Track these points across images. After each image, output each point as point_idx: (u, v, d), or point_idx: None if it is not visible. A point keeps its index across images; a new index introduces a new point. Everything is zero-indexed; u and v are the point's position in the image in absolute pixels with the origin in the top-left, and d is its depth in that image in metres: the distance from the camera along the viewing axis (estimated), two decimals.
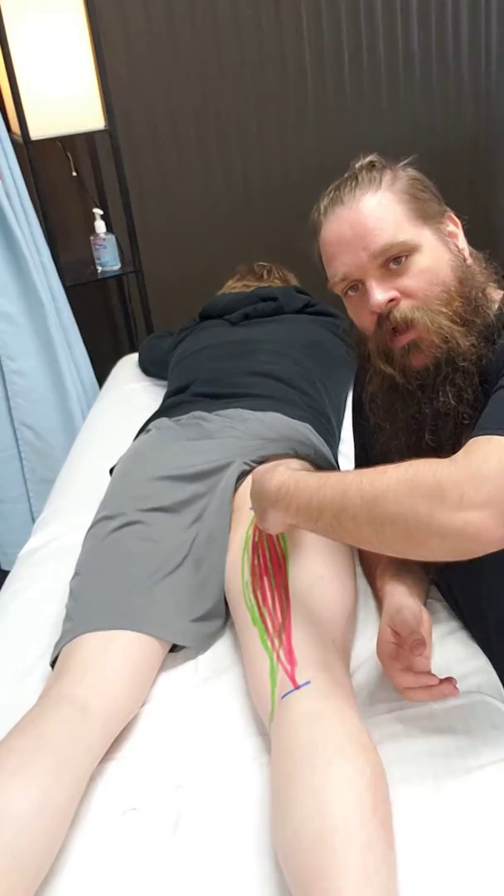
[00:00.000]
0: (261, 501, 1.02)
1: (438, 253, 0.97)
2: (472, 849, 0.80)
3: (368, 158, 1.03)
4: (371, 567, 1.18)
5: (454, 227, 1.02)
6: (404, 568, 1.08)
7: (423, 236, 0.96)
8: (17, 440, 2.24)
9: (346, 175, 1.01)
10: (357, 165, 1.03)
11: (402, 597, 1.00)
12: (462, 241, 1.02)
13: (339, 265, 0.98)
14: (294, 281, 2.05)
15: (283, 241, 2.69)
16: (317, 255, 1.04)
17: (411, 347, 0.96)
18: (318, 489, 0.89)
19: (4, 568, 2.32)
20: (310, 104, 2.65)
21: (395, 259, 0.95)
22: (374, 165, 1.02)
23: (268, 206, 2.73)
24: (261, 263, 2.06)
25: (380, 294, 0.95)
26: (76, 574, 1.19)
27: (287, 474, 0.98)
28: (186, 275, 2.66)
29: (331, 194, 1.00)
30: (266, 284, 1.94)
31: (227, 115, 2.56)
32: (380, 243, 0.94)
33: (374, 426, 1.04)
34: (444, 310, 0.94)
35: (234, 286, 1.98)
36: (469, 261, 1.01)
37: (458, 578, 1.05)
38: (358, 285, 0.98)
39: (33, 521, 2.25)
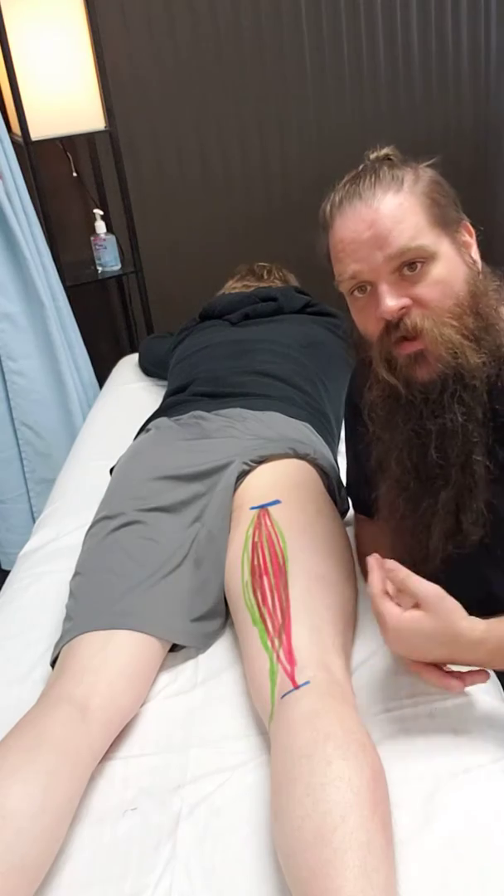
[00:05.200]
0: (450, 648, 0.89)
1: (454, 264, 0.92)
2: (471, 848, 0.81)
3: (384, 151, 0.97)
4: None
5: (469, 237, 0.96)
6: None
7: (441, 245, 0.91)
8: (17, 440, 2.24)
9: (361, 168, 0.95)
10: (373, 157, 0.97)
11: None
12: (475, 253, 0.96)
13: (350, 263, 0.91)
14: (294, 281, 2.05)
15: (283, 242, 2.70)
16: (324, 249, 0.97)
17: (417, 358, 0.91)
18: None
19: (4, 568, 2.32)
20: (310, 103, 2.65)
21: (410, 265, 0.89)
22: (391, 160, 0.97)
23: (268, 207, 2.73)
24: (261, 264, 2.06)
25: (391, 300, 0.89)
26: (76, 574, 1.19)
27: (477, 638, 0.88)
28: (186, 275, 2.66)
29: (346, 188, 0.93)
30: (266, 285, 1.94)
31: (227, 115, 2.56)
32: (397, 246, 0.88)
33: (372, 435, 1.00)
34: (454, 324, 0.90)
35: (234, 286, 1.99)
36: (481, 276, 0.95)
37: (459, 581, 1.04)
38: (366, 287, 0.92)
39: (33, 521, 2.26)
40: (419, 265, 0.89)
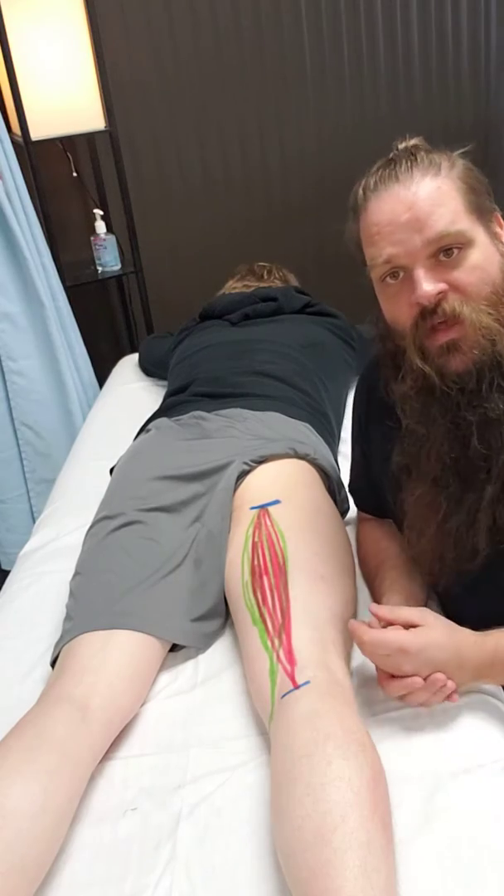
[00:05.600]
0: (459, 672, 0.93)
1: (490, 252, 0.90)
2: (471, 848, 0.81)
3: (413, 142, 0.94)
4: (370, 571, 1.17)
5: (500, 228, 0.94)
6: (404, 575, 1.08)
7: (477, 232, 0.89)
8: (17, 440, 2.24)
9: (392, 155, 0.93)
10: (401, 147, 0.94)
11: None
12: None
13: (385, 246, 0.88)
14: (294, 281, 2.05)
15: (283, 242, 2.70)
16: (353, 234, 0.94)
17: (450, 348, 0.88)
18: None
19: (4, 568, 2.32)
20: (310, 103, 2.65)
21: (447, 250, 0.87)
22: (426, 148, 0.94)
23: (268, 207, 2.73)
24: (261, 264, 2.06)
25: (429, 285, 0.86)
26: (76, 574, 1.19)
27: (489, 650, 0.93)
28: (186, 275, 2.66)
29: (381, 171, 0.91)
30: (266, 285, 1.94)
31: (226, 115, 2.56)
32: (437, 229, 0.86)
33: (405, 429, 0.96)
34: (491, 311, 0.88)
35: (234, 286, 1.99)
36: None
37: (455, 584, 1.04)
38: (399, 273, 0.89)
39: (33, 521, 2.26)
40: (456, 251, 0.87)
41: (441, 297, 0.87)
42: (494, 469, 0.90)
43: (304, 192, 2.73)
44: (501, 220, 0.95)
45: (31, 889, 0.81)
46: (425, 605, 1.06)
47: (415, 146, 0.94)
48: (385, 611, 0.95)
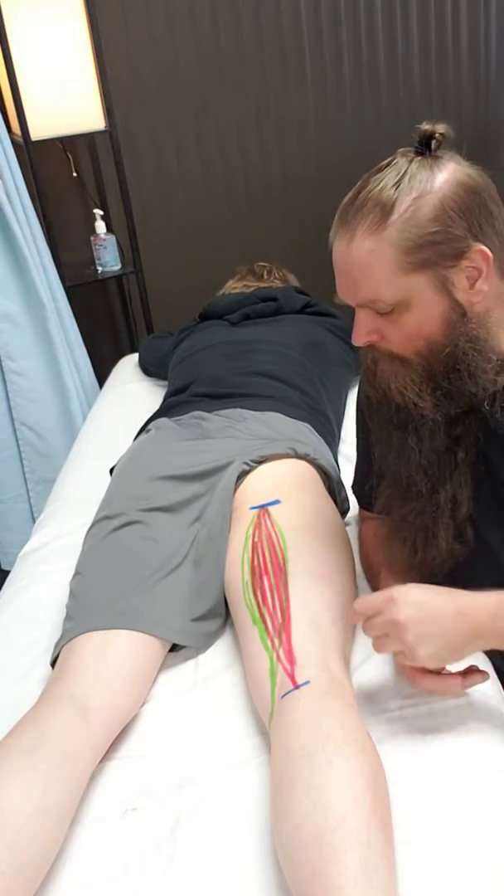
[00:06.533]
0: (458, 637, 0.87)
1: (429, 306, 0.87)
2: (471, 848, 0.81)
3: (440, 130, 0.88)
4: (372, 568, 1.18)
5: (483, 263, 0.86)
6: (408, 573, 1.08)
7: (416, 288, 0.86)
8: (17, 440, 2.24)
9: (376, 169, 0.89)
10: (420, 133, 0.88)
11: None
12: (484, 282, 0.87)
13: (337, 285, 0.93)
14: (294, 281, 2.05)
15: (283, 241, 2.70)
16: None
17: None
18: None
19: (4, 568, 2.32)
20: (309, 103, 2.65)
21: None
22: (436, 141, 0.88)
23: (268, 206, 2.73)
24: (261, 264, 2.06)
25: (358, 337, 0.93)
26: (76, 574, 1.19)
27: (493, 603, 0.87)
28: (186, 275, 2.66)
29: (348, 199, 0.89)
30: (266, 285, 1.94)
31: (226, 116, 2.56)
32: (363, 296, 0.89)
33: (375, 438, 1.03)
34: (419, 363, 0.91)
35: (234, 286, 1.99)
36: (478, 306, 0.89)
37: (457, 583, 1.04)
38: None
39: (33, 521, 2.26)
40: (388, 309, 0.89)
41: (372, 342, 0.93)
42: (443, 478, 0.96)
43: (304, 192, 2.73)
44: (487, 252, 0.87)
45: (31, 889, 0.81)
46: None
47: (431, 136, 0.88)
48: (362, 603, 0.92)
